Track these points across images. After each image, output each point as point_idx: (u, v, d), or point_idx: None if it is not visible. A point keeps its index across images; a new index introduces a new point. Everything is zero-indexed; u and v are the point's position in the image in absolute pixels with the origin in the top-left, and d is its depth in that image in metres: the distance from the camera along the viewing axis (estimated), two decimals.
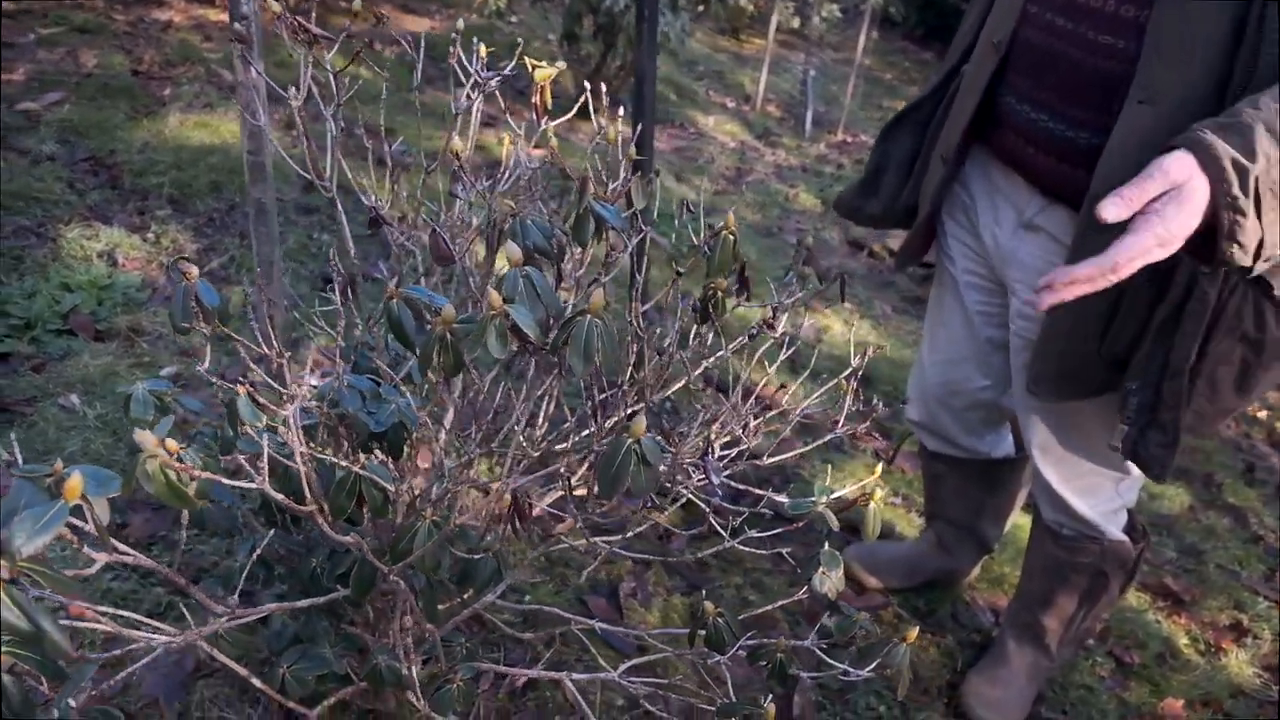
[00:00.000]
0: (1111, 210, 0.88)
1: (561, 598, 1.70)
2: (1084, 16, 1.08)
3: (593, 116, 1.07)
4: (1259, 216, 0.87)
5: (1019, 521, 2.07)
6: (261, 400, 0.80)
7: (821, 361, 2.70)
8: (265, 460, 0.73)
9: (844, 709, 1.59)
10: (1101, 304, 1.12)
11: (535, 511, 0.90)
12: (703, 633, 0.92)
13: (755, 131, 4.85)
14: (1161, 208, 0.88)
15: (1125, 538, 1.45)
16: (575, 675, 1.01)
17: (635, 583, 1.76)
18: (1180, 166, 0.88)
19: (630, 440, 0.62)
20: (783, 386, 1.31)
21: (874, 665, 0.87)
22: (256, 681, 1.04)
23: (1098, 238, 1.10)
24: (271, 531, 1.06)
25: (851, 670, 0.91)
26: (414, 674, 0.94)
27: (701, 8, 5.32)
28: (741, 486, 1.13)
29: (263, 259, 1.17)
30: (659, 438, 0.81)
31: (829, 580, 0.97)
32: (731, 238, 0.98)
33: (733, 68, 5.97)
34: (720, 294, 0.94)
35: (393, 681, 0.95)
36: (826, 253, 3.50)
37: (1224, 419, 1.15)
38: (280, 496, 0.79)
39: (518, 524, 0.80)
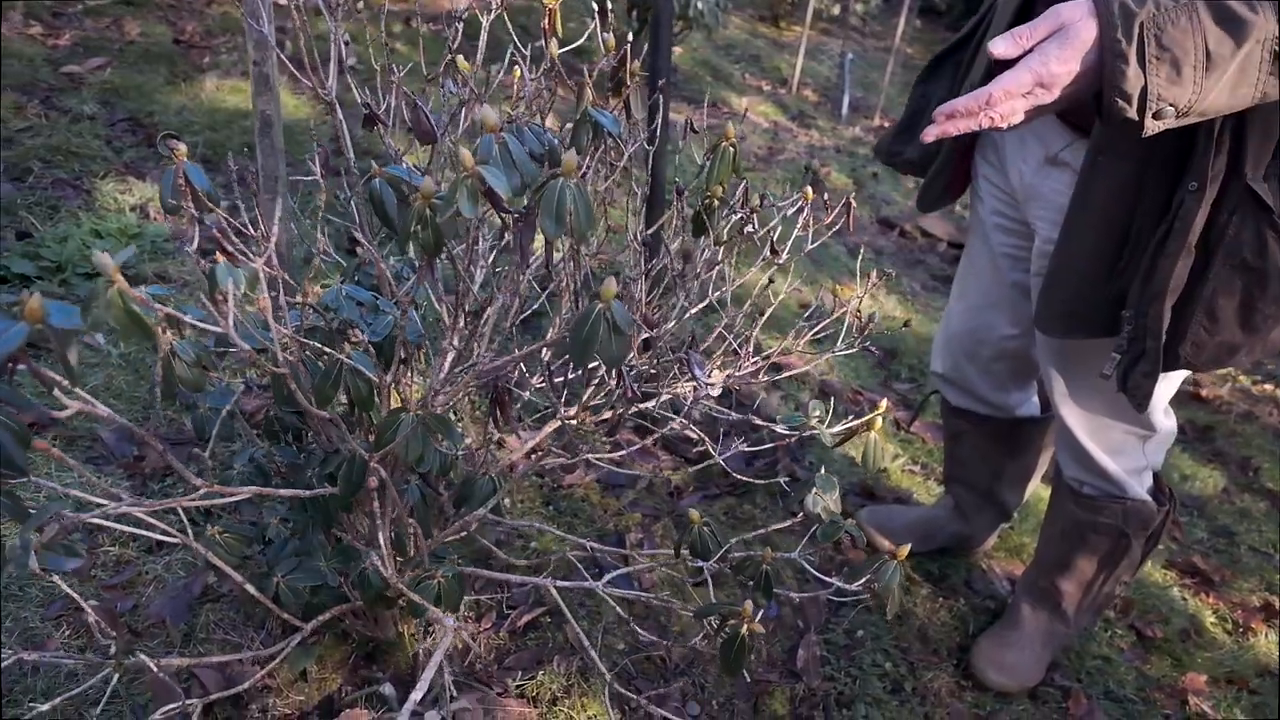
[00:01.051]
0: (1000, 46, 0.88)
1: (567, 545, 1.70)
2: None
3: (600, 40, 1.06)
4: (1141, 64, 0.83)
5: (1039, 494, 2.02)
6: (240, 259, 0.80)
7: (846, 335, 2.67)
8: (230, 318, 0.73)
9: (849, 665, 1.57)
10: (1111, 239, 1.10)
11: (514, 402, 0.89)
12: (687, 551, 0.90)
13: (790, 114, 4.80)
14: (1045, 46, 0.86)
15: (1149, 498, 1.41)
16: (560, 583, 1.00)
17: (642, 534, 1.75)
18: (1073, 8, 0.86)
19: (600, 306, 0.61)
20: (786, 346, 1.29)
21: (863, 581, 0.85)
22: (250, 588, 1.05)
23: (1103, 162, 1.08)
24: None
25: (843, 586, 0.89)
26: (402, 579, 0.93)
27: None
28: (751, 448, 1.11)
29: (266, 172, 1.19)
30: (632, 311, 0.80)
31: (822, 501, 0.95)
32: (731, 149, 0.96)
33: (770, 53, 5.92)
34: (716, 202, 0.93)
35: (379, 586, 0.95)
36: (857, 231, 3.45)
37: (1232, 356, 1.10)
38: (248, 346, 0.80)
39: (498, 415, 0.80)
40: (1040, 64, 0.86)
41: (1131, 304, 1.08)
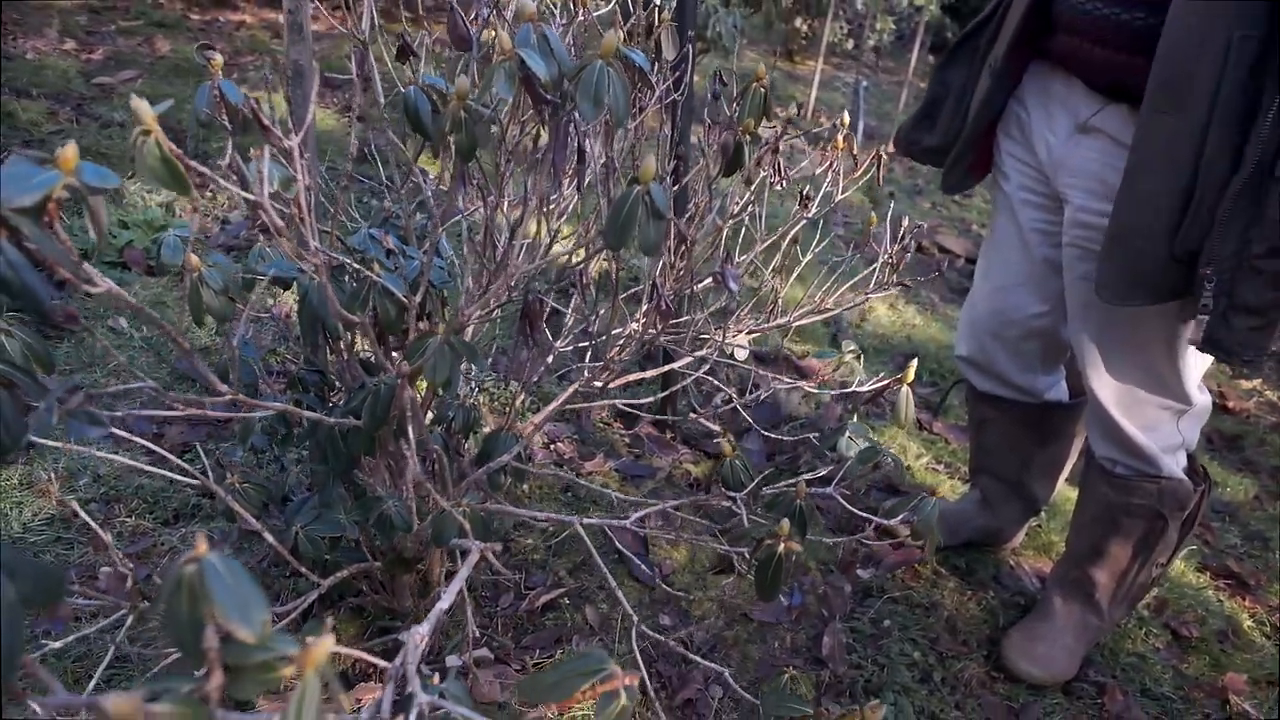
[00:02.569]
0: None
1: (586, 530, 1.67)
2: None
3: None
4: None
5: (1067, 494, 1.98)
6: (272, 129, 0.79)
7: (865, 339, 2.65)
8: (264, 187, 0.72)
9: (876, 653, 1.52)
10: (1174, 198, 1.06)
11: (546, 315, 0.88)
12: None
13: (806, 138, 4.85)
14: None
15: (1184, 477, 1.37)
16: (587, 519, 0.98)
17: (663, 521, 1.72)
18: None
19: (639, 189, 0.60)
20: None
21: (902, 517, 0.82)
22: (268, 536, 1.04)
23: (1160, 121, 1.05)
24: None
25: (881, 522, 0.86)
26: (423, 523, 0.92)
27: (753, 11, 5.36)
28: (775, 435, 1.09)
29: (298, 120, 1.19)
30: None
31: (855, 445, 0.93)
32: (762, 91, 0.96)
33: (784, 83, 6.00)
34: (749, 137, 0.92)
35: (401, 527, 0.93)
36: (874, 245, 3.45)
37: None
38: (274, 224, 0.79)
39: (529, 330, 0.79)
40: None
41: (1210, 261, 1.04)
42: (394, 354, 0.99)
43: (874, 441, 0.87)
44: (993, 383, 1.55)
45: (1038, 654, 1.51)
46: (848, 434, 0.92)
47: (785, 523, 0.75)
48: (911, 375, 1.01)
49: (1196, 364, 1.28)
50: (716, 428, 1.18)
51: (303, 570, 1.08)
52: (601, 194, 0.80)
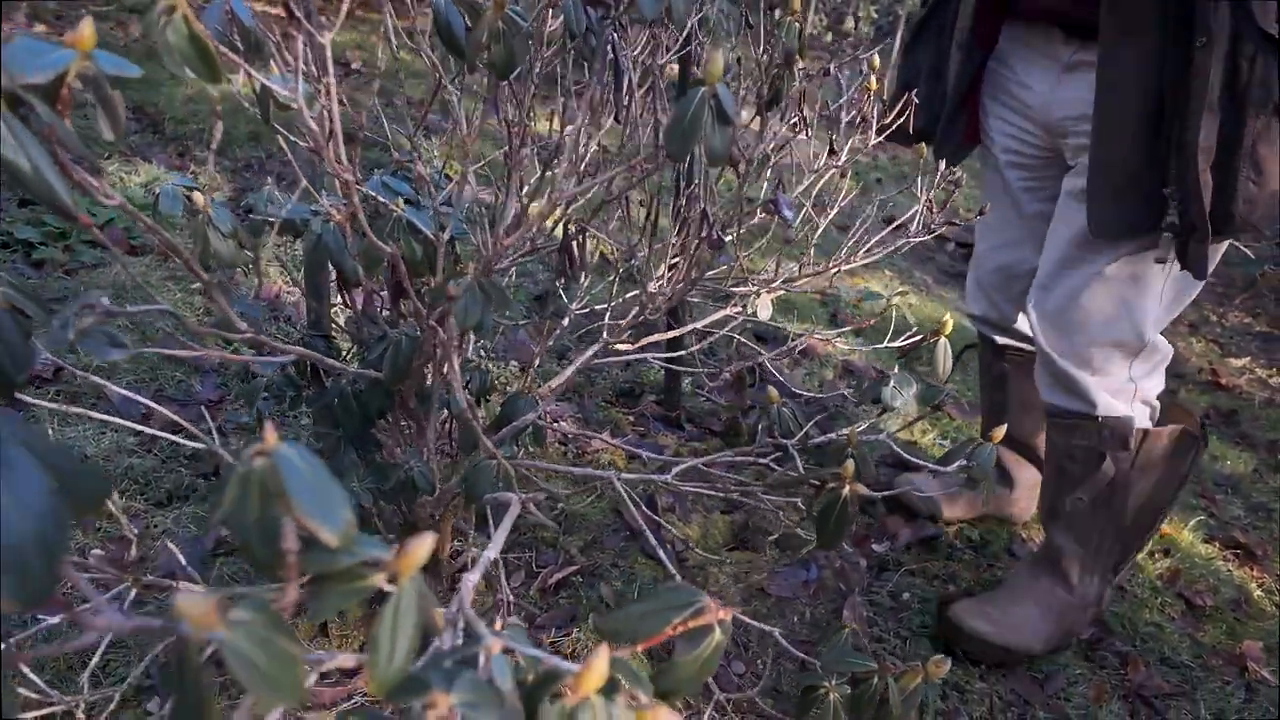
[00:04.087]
0: None
1: (596, 508, 1.62)
2: None
3: None
4: None
5: None
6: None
7: (863, 320, 2.63)
8: (300, 88, 0.67)
9: (897, 625, 1.49)
10: (1145, 126, 1.08)
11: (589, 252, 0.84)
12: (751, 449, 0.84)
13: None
14: None
15: (1128, 413, 1.31)
16: (626, 475, 0.93)
17: (673, 497, 1.68)
18: None
19: (705, 90, 0.55)
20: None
21: (957, 464, 0.79)
22: None
23: (1123, 47, 1.07)
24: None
25: (936, 469, 0.82)
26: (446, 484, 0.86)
27: None
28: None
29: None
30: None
31: (900, 395, 0.89)
32: (797, 25, 0.92)
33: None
34: (790, 70, 0.88)
35: (425, 488, 0.88)
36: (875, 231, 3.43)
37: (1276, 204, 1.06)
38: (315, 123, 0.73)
39: (569, 265, 0.74)
40: None
41: (1172, 179, 1.05)
42: (412, 303, 0.94)
43: (924, 382, 0.83)
44: (1008, 335, 1.55)
45: (989, 613, 1.42)
46: (892, 383, 0.89)
47: (850, 463, 0.71)
48: (949, 329, 0.97)
49: (1158, 306, 1.24)
50: (723, 400, 1.14)
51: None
52: (647, 110, 0.76)
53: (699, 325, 1.03)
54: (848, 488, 0.70)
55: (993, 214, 1.45)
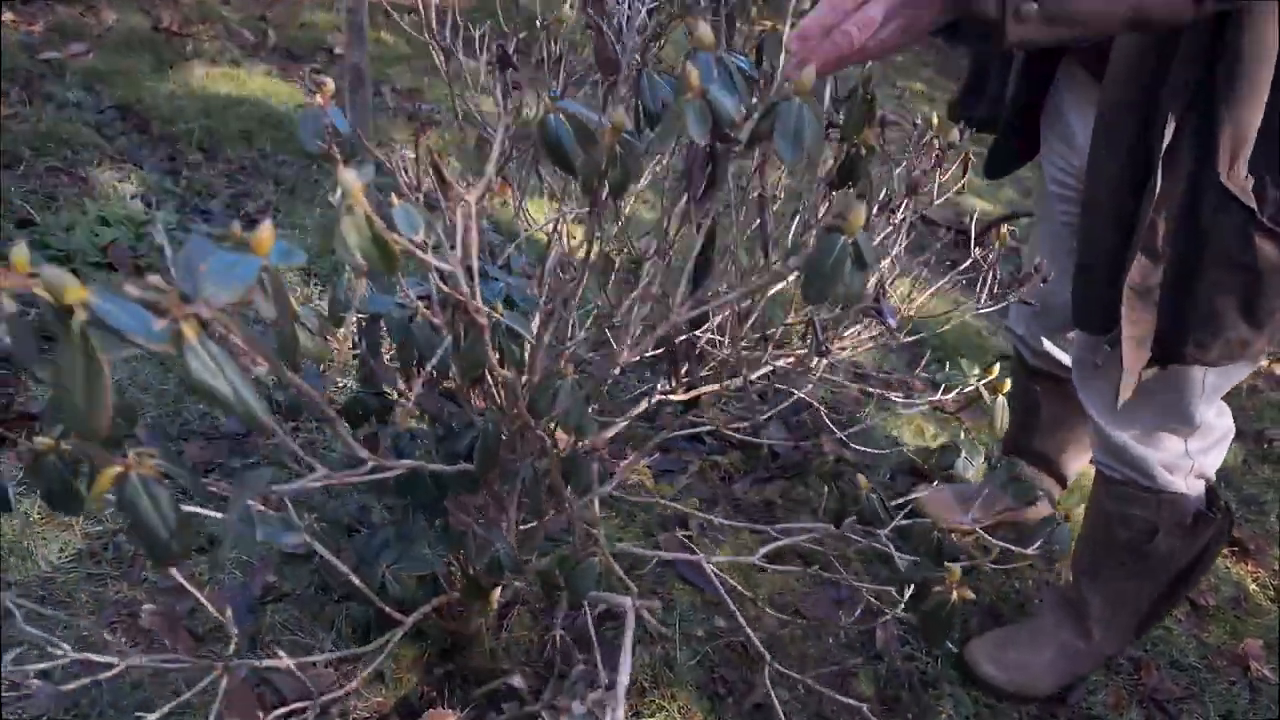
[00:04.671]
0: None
1: (629, 532, 1.65)
2: None
3: None
4: None
5: (1086, 470, 2.02)
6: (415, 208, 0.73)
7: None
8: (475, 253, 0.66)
9: (929, 643, 1.54)
10: (1118, 235, 1.07)
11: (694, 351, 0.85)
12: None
13: None
14: None
15: (1185, 490, 1.28)
16: (716, 558, 0.95)
17: (703, 529, 1.71)
18: None
19: (845, 240, 0.56)
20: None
21: (1038, 545, 0.82)
22: (355, 579, 0.98)
23: (1107, 152, 1.06)
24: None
25: (1014, 549, 0.86)
26: (536, 561, 0.88)
27: None
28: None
29: (358, 127, 1.10)
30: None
31: (973, 466, 0.92)
32: (869, 97, 0.92)
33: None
34: (867, 151, 0.88)
35: (511, 568, 0.89)
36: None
37: (1245, 350, 1.06)
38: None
39: (676, 372, 0.75)
40: None
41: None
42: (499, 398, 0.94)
43: (1025, 478, 0.86)
44: (1041, 360, 1.56)
45: (1007, 659, 1.46)
46: (963, 454, 0.91)
47: (956, 569, 0.74)
48: (1008, 386, 1.00)
49: (1200, 393, 1.19)
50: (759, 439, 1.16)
51: (382, 606, 1.03)
52: (772, 239, 0.76)
53: (757, 376, 1.05)
54: (956, 593, 0.73)
55: (1040, 242, 1.44)
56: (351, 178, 0.52)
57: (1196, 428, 1.24)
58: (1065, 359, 1.52)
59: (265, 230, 0.47)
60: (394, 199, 0.69)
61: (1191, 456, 1.26)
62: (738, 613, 1.07)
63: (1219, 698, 1.59)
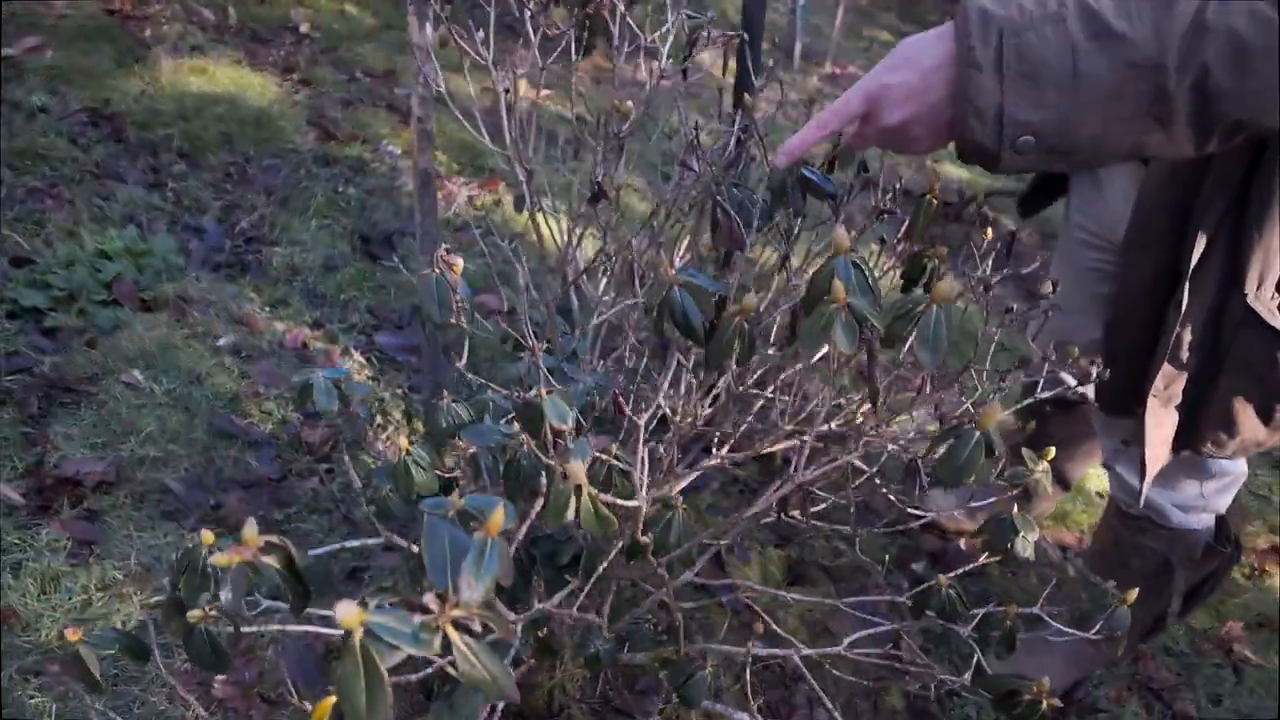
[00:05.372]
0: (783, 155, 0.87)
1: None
2: None
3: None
4: (999, 74, 0.71)
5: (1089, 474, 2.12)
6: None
7: None
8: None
9: (950, 652, 1.64)
10: (1142, 332, 1.11)
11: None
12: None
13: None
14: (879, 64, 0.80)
15: (1198, 527, 1.35)
16: (805, 650, 1.01)
17: (733, 542, 1.77)
18: (929, 33, 0.79)
19: (979, 435, 0.61)
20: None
21: (1096, 629, 0.89)
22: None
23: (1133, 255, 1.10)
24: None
25: (1069, 631, 0.93)
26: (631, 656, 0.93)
27: None
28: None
29: (425, 232, 1.10)
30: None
31: (1028, 545, 0.98)
32: (935, 203, 0.96)
33: None
34: (940, 264, 0.92)
35: (609, 661, 0.94)
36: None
37: (1260, 447, 1.12)
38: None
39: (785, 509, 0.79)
40: (869, 79, 0.78)
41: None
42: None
43: (1082, 569, 0.92)
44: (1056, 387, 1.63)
45: (1018, 662, 1.48)
46: (1020, 534, 0.98)
47: (1045, 680, 0.81)
48: (1047, 459, 1.06)
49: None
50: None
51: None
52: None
53: (808, 475, 1.09)
54: (1045, 702, 0.80)
55: (1061, 274, 1.47)
56: (580, 470, 0.54)
57: (1213, 477, 1.31)
58: (1083, 388, 1.59)
59: (497, 514, 0.49)
60: (542, 391, 0.70)
61: (1206, 498, 1.34)
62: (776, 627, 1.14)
63: (1207, 682, 1.73)
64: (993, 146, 0.75)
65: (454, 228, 2.45)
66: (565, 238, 1.04)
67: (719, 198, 0.83)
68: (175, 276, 1.97)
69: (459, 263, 0.77)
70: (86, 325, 1.78)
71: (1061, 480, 1.82)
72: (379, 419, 1.77)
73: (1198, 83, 0.70)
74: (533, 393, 0.68)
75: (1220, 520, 1.40)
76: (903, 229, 1.03)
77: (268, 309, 1.98)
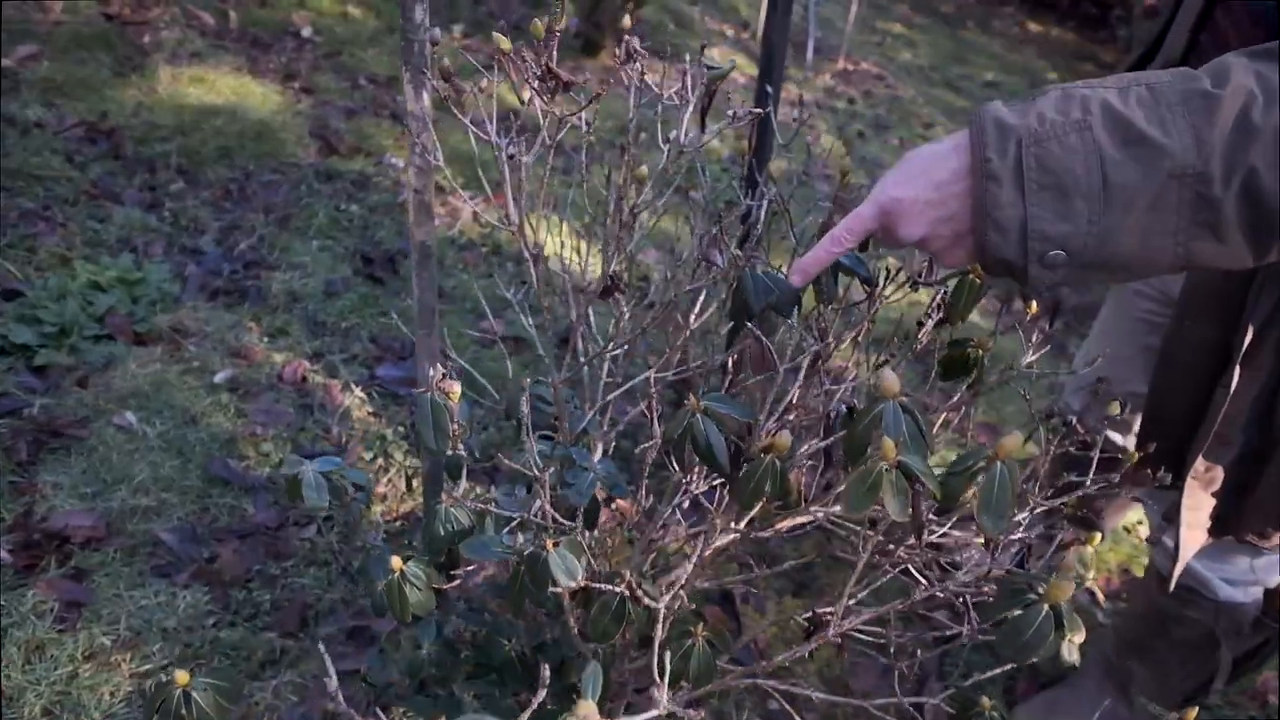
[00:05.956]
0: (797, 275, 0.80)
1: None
2: None
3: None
4: (1020, 188, 0.66)
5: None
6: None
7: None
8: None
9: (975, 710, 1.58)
10: (1187, 401, 1.06)
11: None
12: None
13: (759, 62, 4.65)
14: (886, 174, 0.75)
15: (1246, 602, 1.27)
16: (819, 694, 0.94)
17: (745, 586, 1.71)
18: (941, 142, 0.73)
19: (1046, 607, 0.54)
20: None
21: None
22: None
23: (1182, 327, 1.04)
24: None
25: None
26: None
27: None
28: None
29: (423, 305, 1.03)
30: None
31: (1075, 649, 0.91)
32: (979, 282, 0.88)
33: None
34: (984, 354, 0.85)
35: None
36: (851, 194, 3.39)
37: None
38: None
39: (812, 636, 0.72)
40: (879, 192, 0.73)
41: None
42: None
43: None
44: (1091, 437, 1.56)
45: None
46: (1067, 638, 0.91)
47: None
48: (1096, 540, 0.99)
49: None
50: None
51: None
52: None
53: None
54: None
55: (1110, 321, 1.42)
56: (591, 710, 0.47)
57: (1265, 554, 1.23)
58: (1119, 439, 1.52)
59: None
60: (549, 545, 0.63)
61: (1256, 573, 1.26)
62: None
63: None
64: (1018, 261, 0.69)
65: (458, 246, 2.37)
66: (575, 311, 0.96)
67: (749, 309, 0.75)
68: (170, 306, 1.91)
69: (456, 388, 0.69)
70: (77, 363, 1.72)
71: (1094, 528, 1.75)
72: (379, 460, 1.70)
73: (1246, 186, 0.64)
74: (527, 541, 0.61)
75: (1270, 592, 1.32)
76: (938, 302, 0.96)
77: (266, 339, 1.92)
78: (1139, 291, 1.32)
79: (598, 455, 1.21)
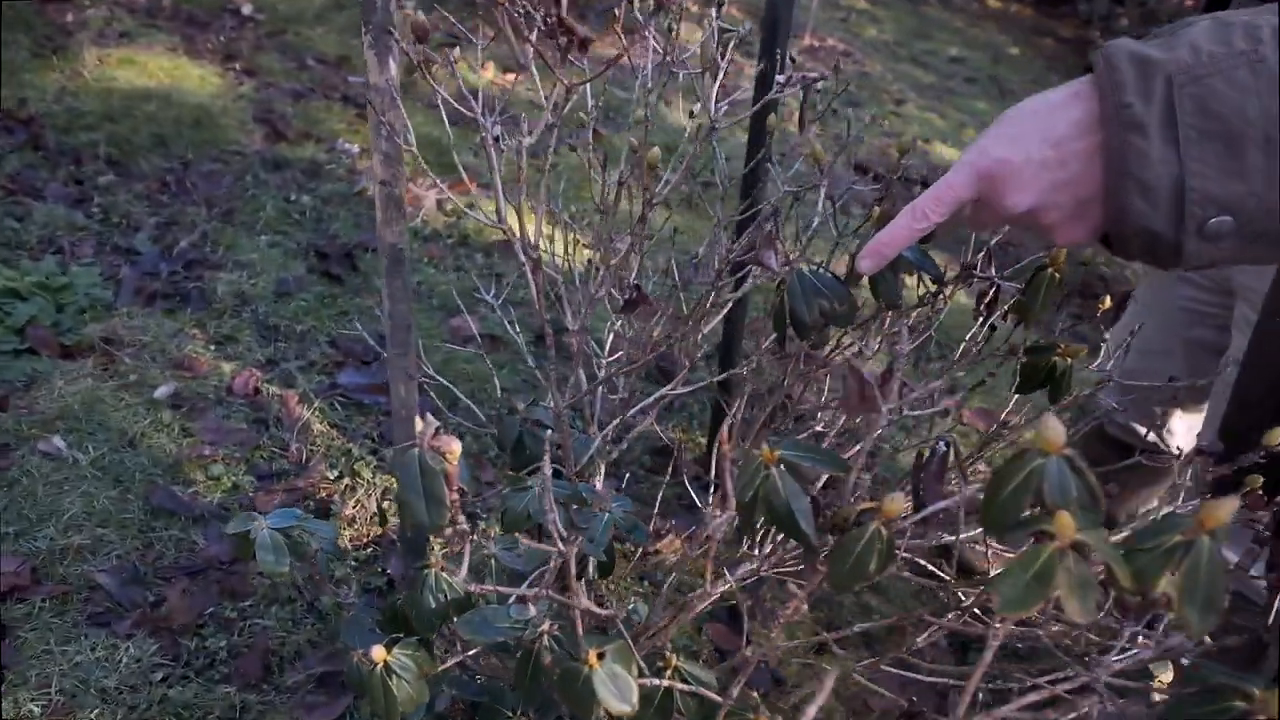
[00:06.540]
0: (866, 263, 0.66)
1: (681, 630, 1.51)
2: None
3: None
4: (1172, 139, 0.52)
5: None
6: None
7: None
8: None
9: None
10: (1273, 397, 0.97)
11: None
12: None
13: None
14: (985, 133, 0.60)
15: None
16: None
17: (752, 600, 1.58)
18: (1057, 89, 0.58)
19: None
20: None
21: None
22: None
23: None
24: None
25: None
26: None
27: None
28: None
29: (396, 319, 0.87)
30: None
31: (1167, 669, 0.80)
32: (1057, 276, 0.76)
33: None
34: (1071, 362, 0.72)
35: None
36: (836, 182, 3.27)
37: None
38: None
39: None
40: (977, 153, 0.59)
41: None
42: None
43: None
44: (1122, 431, 1.48)
45: None
46: (1157, 676, 0.79)
47: None
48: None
49: None
50: None
51: None
52: None
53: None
54: None
55: (1147, 310, 1.32)
56: None
57: None
58: (1145, 434, 1.43)
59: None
60: (591, 660, 0.48)
61: None
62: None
63: None
64: (1169, 233, 0.54)
65: (423, 238, 2.20)
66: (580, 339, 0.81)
67: (799, 320, 0.61)
68: (101, 314, 1.71)
69: (456, 448, 0.53)
70: None
71: (1111, 524, 1.66)
72: (346, 480, 1.54)
73: None
74: (540, 613, 0.46)
75: None
76: (989, 300, 0.83)
77: (213, 347, 1.73)
78: (1182, 277, 1.23)
79: (599, 481, 1.08)
